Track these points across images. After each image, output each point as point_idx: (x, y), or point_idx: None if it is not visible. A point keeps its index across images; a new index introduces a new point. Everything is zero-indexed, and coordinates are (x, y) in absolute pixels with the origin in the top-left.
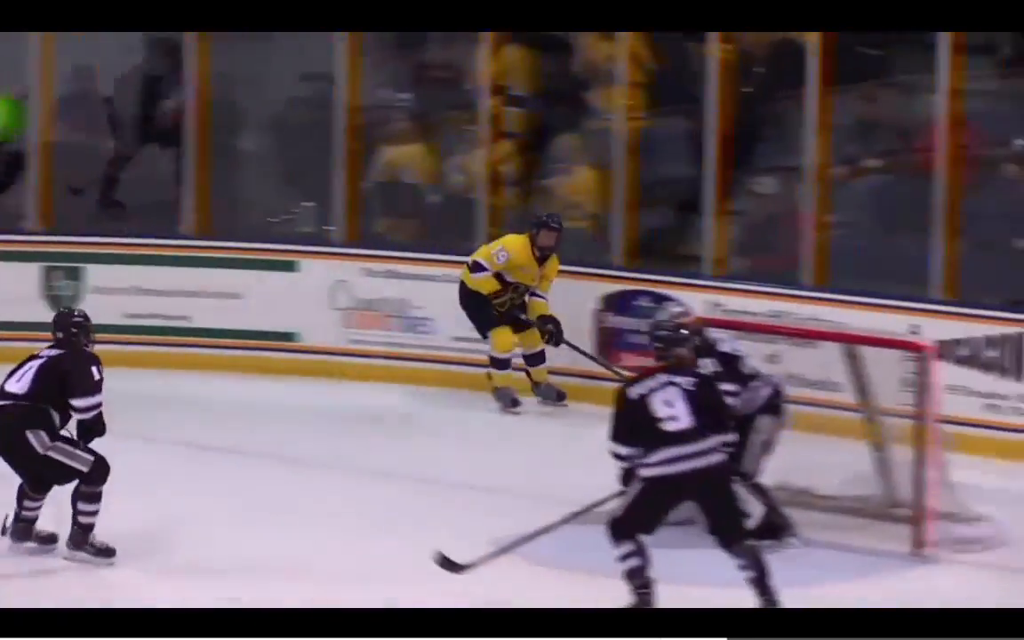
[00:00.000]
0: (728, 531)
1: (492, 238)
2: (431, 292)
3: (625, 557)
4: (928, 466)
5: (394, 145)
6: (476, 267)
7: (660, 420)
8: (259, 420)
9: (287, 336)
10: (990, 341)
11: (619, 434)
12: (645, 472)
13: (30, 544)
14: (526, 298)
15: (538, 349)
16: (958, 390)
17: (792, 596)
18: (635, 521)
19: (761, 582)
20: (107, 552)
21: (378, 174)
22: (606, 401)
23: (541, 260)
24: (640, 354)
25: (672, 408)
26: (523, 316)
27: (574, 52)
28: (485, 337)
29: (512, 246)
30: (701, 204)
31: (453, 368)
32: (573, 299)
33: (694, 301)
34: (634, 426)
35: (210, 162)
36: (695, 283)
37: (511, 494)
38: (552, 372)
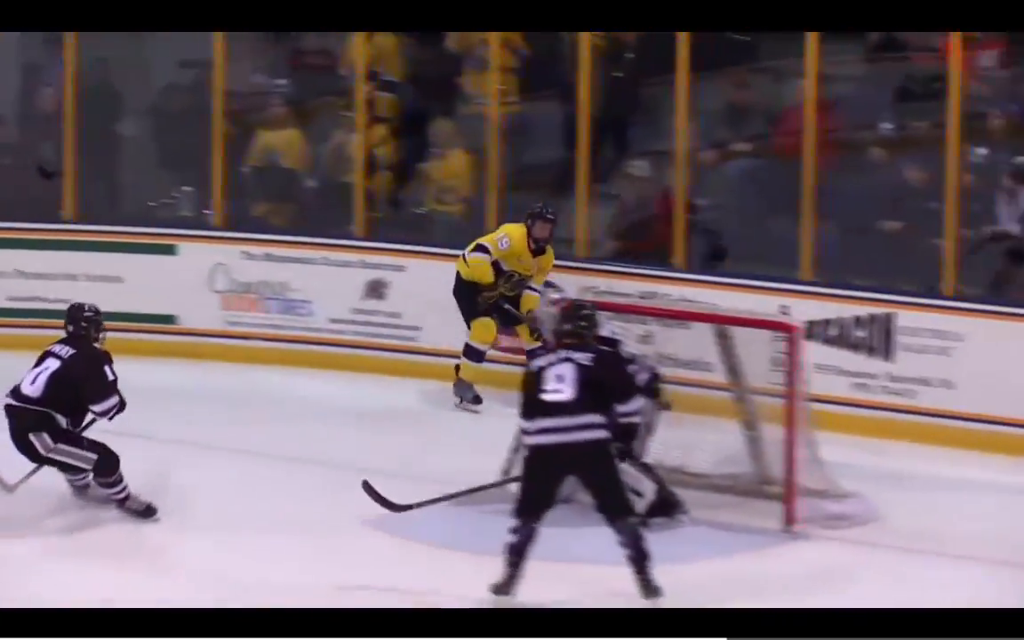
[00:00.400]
0: (611, 509)
1: (368, 222)
2: (308, 275)
3: (511, 531)
4: (798, 444)
5: (270, 131)
6: (478, 248)
7: (544, 391)
8: (138, 402)
9: (167, 319)
10: (859, 321)
11: (522, 408)
12: (525, 441)
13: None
14: (520, 291)
15: (538, 346)
16: (827, 369)
17: (667, 573)
18: (527, 497)
19: (638, 561)
20: (149, 511)
21: (255, 159)
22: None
23: (536, 252)
24: (513, 334)
25: (561, 382)
26: (512, 310)
27: (445, 38)
28: (469, 326)
29: (513, 234)
30: (573, 187)
31: (330, 350)
32: (448, 281)
33: (567, 282)
34: (529, 398)
35: (87, 148)
36: (567, 265)
37: (384, 475)
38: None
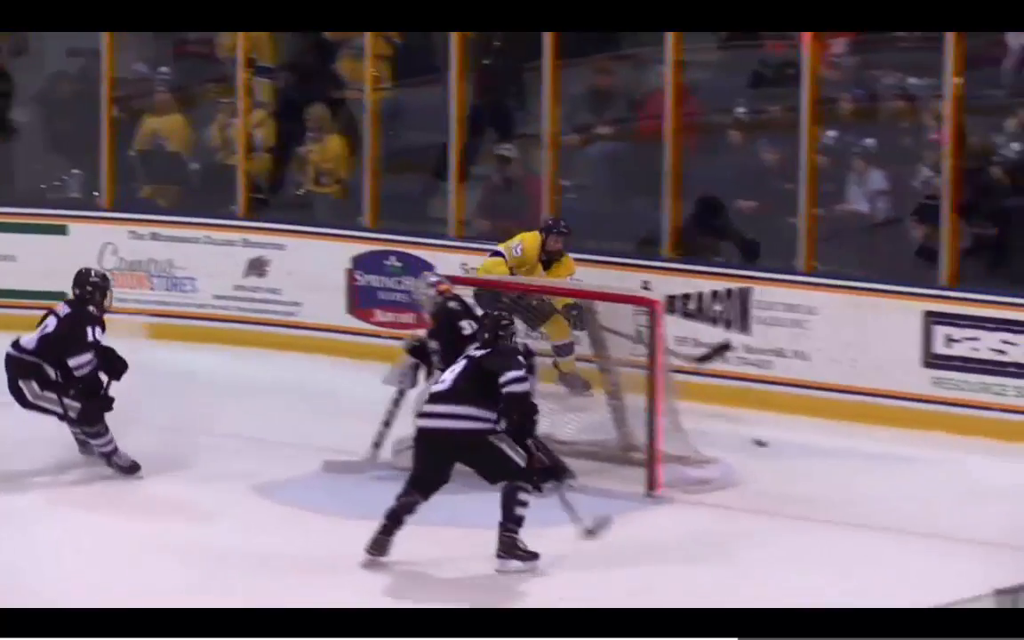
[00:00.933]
0: (492, 477)
1: (249, 203)
2: (192, 253)
3: (396, 497)
4: (660, 413)
5: (155, 116)
6: (494, 254)
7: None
8: None
9: (58, 296)
10: (716, 295)
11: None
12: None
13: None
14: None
15: (566, 340)
16: (687, 341)
17: (533, 536)
18: (414, 473)
19: (505, 523)
20: (133, 468)
21: (141, 143)
22: None
23: (547, 263)
24: (389, 310)
25: (452, 373)
26: (540, 304)
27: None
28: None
29: (528, 243)
30: (446, 169)
31: (215, 325)
32: (325, 259)
33: (441, 261)
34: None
35: None
36: (441, 244)
37: (265, 443)
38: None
